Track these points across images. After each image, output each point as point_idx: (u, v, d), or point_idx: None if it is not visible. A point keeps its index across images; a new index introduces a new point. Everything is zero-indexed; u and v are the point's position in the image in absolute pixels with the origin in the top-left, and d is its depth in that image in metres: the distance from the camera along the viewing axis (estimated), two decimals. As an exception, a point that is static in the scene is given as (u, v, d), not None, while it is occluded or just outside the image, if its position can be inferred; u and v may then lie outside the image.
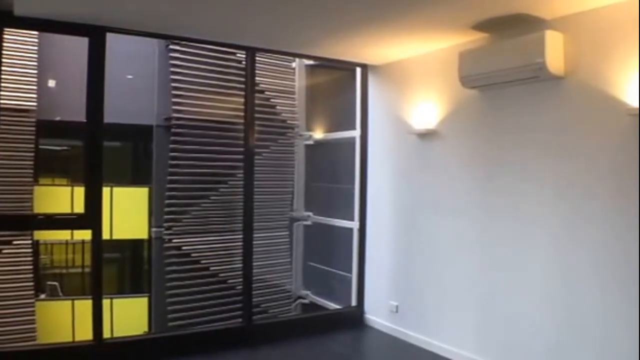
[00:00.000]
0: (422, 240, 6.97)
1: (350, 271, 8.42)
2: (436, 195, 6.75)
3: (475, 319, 6.20)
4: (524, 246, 5.60)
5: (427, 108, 6.82)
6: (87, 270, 12.27)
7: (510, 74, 5.38)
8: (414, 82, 7.11)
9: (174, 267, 9.88)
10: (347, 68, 8.57)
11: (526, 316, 5.57)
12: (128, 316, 11.39)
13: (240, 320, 7.36)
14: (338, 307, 9.20)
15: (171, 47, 9.97)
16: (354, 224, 8.25)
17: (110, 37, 6.05)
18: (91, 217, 6.01)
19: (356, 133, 8.18)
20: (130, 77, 11.54)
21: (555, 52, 5.10)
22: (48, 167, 12.22)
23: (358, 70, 8.00)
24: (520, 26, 5.44)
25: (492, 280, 5.97)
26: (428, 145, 6.84)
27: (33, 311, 9.62)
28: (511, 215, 5.75)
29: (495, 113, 5.94)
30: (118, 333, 7.66)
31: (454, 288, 6.49)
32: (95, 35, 5.95)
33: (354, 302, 8.13)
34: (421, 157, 6.98)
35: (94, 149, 6.06)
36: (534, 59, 5.10)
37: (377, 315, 7.74)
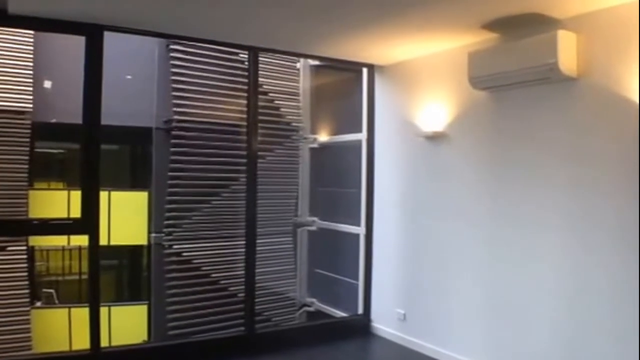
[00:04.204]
0: (430, 246, 6.98)
1: (356, 278, 8.42)
2: (445, 199, 6.76)
3: (485, 327, 6.21)
4: (535, 252, 5.61)
5: (435, 110, 6.84)
6: (84, 277, 12.30)
7: (521, 75, 5.39)
8: (422, 83, 7.13)
9: (174, 274, 9.86)
10: (353, 69, 8.59)
11: (537, 324, 5.57)
12: (127, 324, 11.39)
13: (242, 328, 7.37)
14: (344, 315, 9.20)
15: (172, 47, 9.97)
16: (361, 230, 8.26)
17: (108, 36, 6.06)
18: (88, 222, 6.01)
19: (362, 136, 8.18)
20: (129, 77, 11.54)
21: (567, 52, 5.10)
22: (44, 170, 12.24)
23: (364, 70, 8.00)
24: (531, 26, 5.44)
25: (502, 287, 5.98)
26: (436, 148, 6.86)
27: (28, 319, 9.61)
28: (522, 220, 5.76)
29: (505, 115, 5.95)
30: (116, 342, 7.68)
31: (463, 295, 6.49)
32: (92, 34, 5.96)
33: (360, 310, 8.13)
34: (429, 161, 6.99)
35: (90, 151, 6.05)
36: (545, 60, 5.11)
37: (384, 323, 7.74)
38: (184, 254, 9.85)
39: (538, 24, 5.38)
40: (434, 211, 6.94)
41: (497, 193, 6.05)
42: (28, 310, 9.73)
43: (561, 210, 5.33)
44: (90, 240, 6.07)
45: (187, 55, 9.89)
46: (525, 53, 5.31)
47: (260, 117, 7.43)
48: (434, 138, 6.84)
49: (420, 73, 7.18)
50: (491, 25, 5.71)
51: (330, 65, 9.95)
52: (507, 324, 5.92)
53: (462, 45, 6.37)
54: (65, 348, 10.05)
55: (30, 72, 9.64)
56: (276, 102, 10.65)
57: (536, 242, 5.59)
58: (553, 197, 5.41)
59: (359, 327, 7.94)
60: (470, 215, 6.40)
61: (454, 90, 6.58)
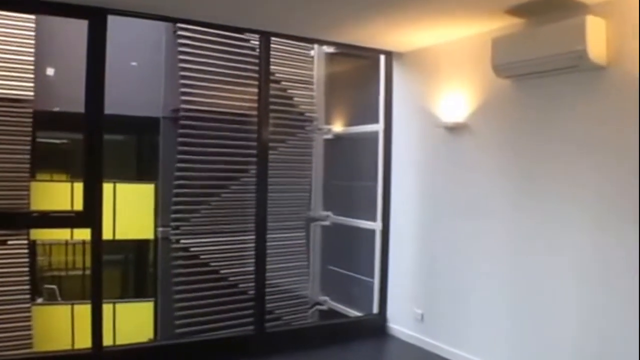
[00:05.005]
0: (451, 243, 6.91)
1: (372, 276, 8.36)
2: (466, 194, 6.68)
3: (507, 329, 6.13)
4: (561, 249, 5.52)
5: (456, 99, 6.75)
6: (88, 272, 12.27)
7: (547, 62, 5.31)
8: (442, 71, 7.04)
9: (182, 270, 9.97)
10: (370, 56, 8.53)
11: (563, 326, 5.49)
12: (132, 322, 11.47)
13: (251, 327, 7.32)
14: (358, 314, 9.18)
15: (179, 33, 9.96)
16: (376, 225, 8.20)
17: (112, 19, 5.99)
18: (90, 214, 5.96)
19: (379, 127, 8.11)
20: (134, 64, 11.52)
21: (597, 39, 5.01)
22: (46, 161, 12.26)
23: (382, 58, 7.93)
24: (558, 10, 5.34)
25: (526, 286, 5.90)
26: (457, 140, 6.77)
27: (29, 316, 9.70)
28: (547, 216, 5.67)
29: (531, 105, 5.86)
30: (121, 340, 7.68)
31: (485, 295, 6.41)
32: (95, 17, 5.90)
33: (375, 310, 8.08)
34: (450, 153, 6.91)
35: (93, 141, 6.01)
36: (573, 47, 5.02)
37: (400, 323, 7.68)
38: (192, 249, 9.93)
39: (565, 9, 5.29)
40: (454, 206, 6.87)
41: (521, 187, 5.97)
42: (29, 307, 9.80)
43: (589, 205, 5.25)
44: (93, 234, 6.02)
45: (195, 41, 9.87)
46: (552, 39, 5.23)
47: (272, 107, 7.39)
48: (455, 129, 6.76)
49: (440, 60, 7.10)
50: (516, 10, 5.61)
51: (346, 52, 9.91)
52: (531, 325, 5.84)
53: (485, 31, 6.28)
54: (68, 347, 10.07)
55: (32, 58, 9.66)
56: (289, 91, 10.65)
57: (562, 239, 5.51)
58: (581, 192, 5.33)
59: (374, 328, 7.88)
60: (492, 210, 6.32)
61: (476, 79, 6.50)
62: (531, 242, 5.85)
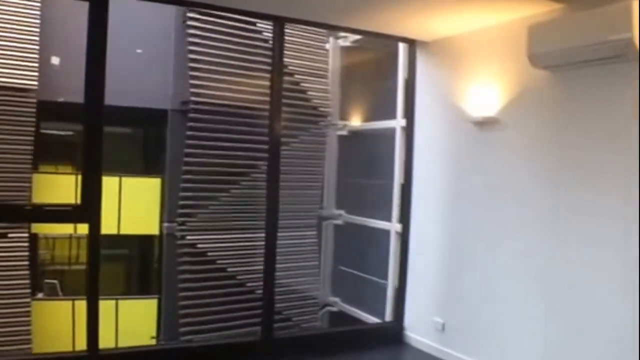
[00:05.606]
0: (477, 248, 6.55)
1: (385, 278, 8.37)
2: (496, 194, 6.32)
3: (538, 345, 5.74)
4: (601, 261, 5.12)
5: (487, 92, 6.40)
6: (91, 267, 12.29)
7: (589, 51, 4.92)
8: (471, 61, 6.70)
9: (187, 267, 10.04)
10: (389, 46, 8.46)
11: (607, 337, 5.06)
12: (135, 319, 11.60)
13: (258, 327, 7.06)
14: (370, 317, 9.15)
15: (189, 22, 10.00)
16: (393, 226, 8.14)
17: (115, 2, 5.58)
18: (88, 209, 5.64)
19: (396, 123, 8.10)
20: (139, 51, 11.35)
21: (645, 26, 4.67)
22: (50, 153, 12.25)
23: (402, 47, 7.85)
24: (602, -5, 5.05)
25: (560, 298, 5.51)
26: (487, 136, 6.42)
27: (28, 312, 9.66)
28: (588, 221, 5.27)
29: (570, 98, 5.48)
30: (123, 337, 7.58)
31: (514, 306, 6.03)
32: (97, -2, 5.62)
33: (390, 316, 7.93)
34: (478, 150, 6.56)
35: (92, 132, 5.70)
36: (619, 34, 4.63)
37: (419, 333, 7.33)
38: (199, 245, 10.02)
39: (610, -8, 4.98)
40: (482, 207, 6.52)
41: (558, 189, 5.58)
42: (29, 303, 9.78)
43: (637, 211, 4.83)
44: (91, 229, 5.75)
45: (206, 31, 9.99)
46: (595, 26, 4.85)
47: (285, 100, 7.20)
48: (485, 124, 6.40)
49: (470, 50, 6.77)
50: (555, -6, 5.31)
51: (362, 46, 9.81)
52: (570, 337, 5.43)
53: (520, 17, 5.91)
54: (68, 344, 10.06)
55: (36, 46, 9.62)
56: (302, 84, 10.79)
57: (604, 249, 5.09)
58: (628, 195, 4.90)
59: (390, 336, 7.56)
60: (526, 213, 5.94)
61: (509, 69, 6.14)
62: (569, 249, 5.44)
